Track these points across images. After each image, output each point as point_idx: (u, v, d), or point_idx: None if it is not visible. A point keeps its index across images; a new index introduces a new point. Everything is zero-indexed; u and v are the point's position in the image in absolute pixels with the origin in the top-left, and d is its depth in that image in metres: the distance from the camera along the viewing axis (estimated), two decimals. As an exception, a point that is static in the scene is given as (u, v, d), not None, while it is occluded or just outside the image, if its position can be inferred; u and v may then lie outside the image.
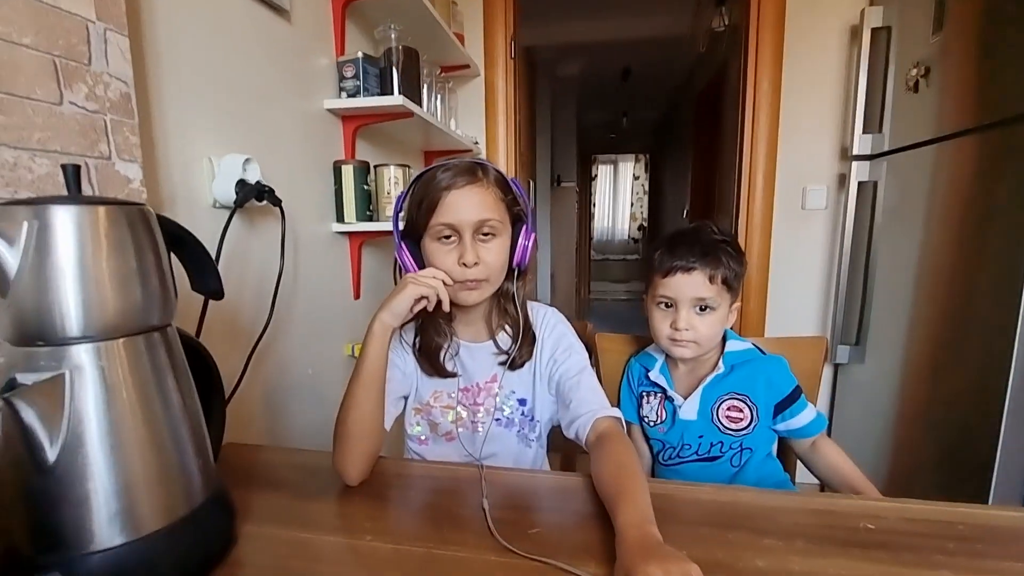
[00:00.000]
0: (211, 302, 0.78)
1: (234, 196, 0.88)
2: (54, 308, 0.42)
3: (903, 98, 1.46)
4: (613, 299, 6.98)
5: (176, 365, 0.51)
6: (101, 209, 0.44)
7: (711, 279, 0.82)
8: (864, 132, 1.60)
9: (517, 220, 0.78)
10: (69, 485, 0.43)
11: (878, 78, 1.56)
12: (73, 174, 0.46)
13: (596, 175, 8.11)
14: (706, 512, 0.61)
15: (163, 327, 0.50)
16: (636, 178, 8.21)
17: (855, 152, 1.62)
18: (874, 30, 1.55)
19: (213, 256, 0.65)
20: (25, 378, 0.42)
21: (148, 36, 0.77)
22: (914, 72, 1.37)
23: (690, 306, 0.83)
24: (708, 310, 0.83)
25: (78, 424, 0.43)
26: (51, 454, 0.42)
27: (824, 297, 1.86)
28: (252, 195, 0.90)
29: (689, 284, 0.82)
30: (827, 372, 1.85)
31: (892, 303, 1.52)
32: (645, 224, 7.87)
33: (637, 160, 8.10)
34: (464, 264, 0.71)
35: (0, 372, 0.51)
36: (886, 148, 1.54)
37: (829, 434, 1.80)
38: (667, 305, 0.86)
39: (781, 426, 0.87)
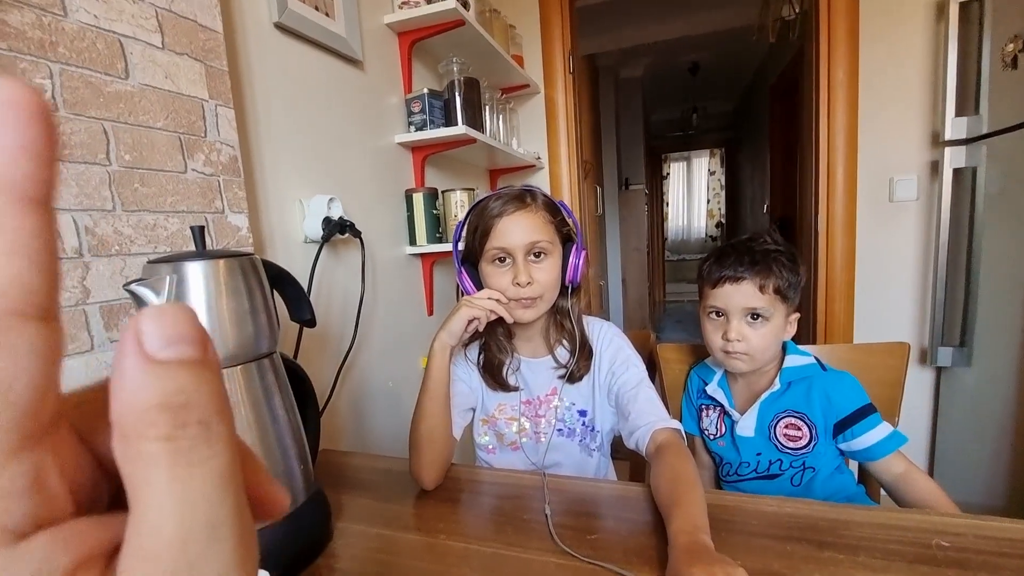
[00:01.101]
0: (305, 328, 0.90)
1: (321, 232, 1.00)
2: (190, 343, 0.52)
3: (1000, 76, 1.33)
4: (690, 300, 6.73)
5: (280, 385, 0.60)
6: (221, 262, 0.54)
7: (762, 288, 0.81)
8: (957, 115, 1.46)
9: (568, 240, 0.82)
10: (204, 485, 0.53)
11: (971, 56, 1.43)
12: (199, 233, 0.57)
13: (668, 174, 7.89)
14: (766, 523, 0.62)
15: (269, 354, 0.60)
16: (712, 173, 7.87)
17: (948, 137, 1.49)
18: (962, 4, 1.43)
19: (305, 287, 0.76)
20: (170, 399, 0.53)
21: (248, 104, 0.90)
22: (1011, 47, 1.25)
23: (741, 316, 0.82)
24: (760, 320, 0.82)
25: (209, 436, 0.53)
26: (191, 460, 0.52)
27: (920, 295, 1.72)
28: (336, 230, 1.01)
29: (739, 294, 0.82)
30: (927, 376, 1.70)
31: (1002, 298, 1.38)
32: (723, 220, 7.53)
33: (712, 155, 7.77)
34: (518, 284, 0.77)
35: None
36: (984, 131, 1.40)
37: (933, 445, 1.67)
38: (718, 315, 0.86)
39: (843, 446, 0.82)
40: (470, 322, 0.75)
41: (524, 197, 0.79)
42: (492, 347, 0.86)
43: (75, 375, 0.59)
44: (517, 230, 0.77)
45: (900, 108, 1.64)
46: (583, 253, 0.81)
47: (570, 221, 0.83)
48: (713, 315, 0.86)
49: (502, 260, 0.79)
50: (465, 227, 0.83)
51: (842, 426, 0.81)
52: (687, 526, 0.54)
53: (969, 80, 1.44)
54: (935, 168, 1.61)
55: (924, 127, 1.63)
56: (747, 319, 0.83)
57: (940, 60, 1.52)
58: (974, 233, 1.47)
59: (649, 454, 0.73)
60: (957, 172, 1.49)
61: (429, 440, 0.74)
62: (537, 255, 0.78)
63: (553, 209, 0.81)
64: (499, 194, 0.79)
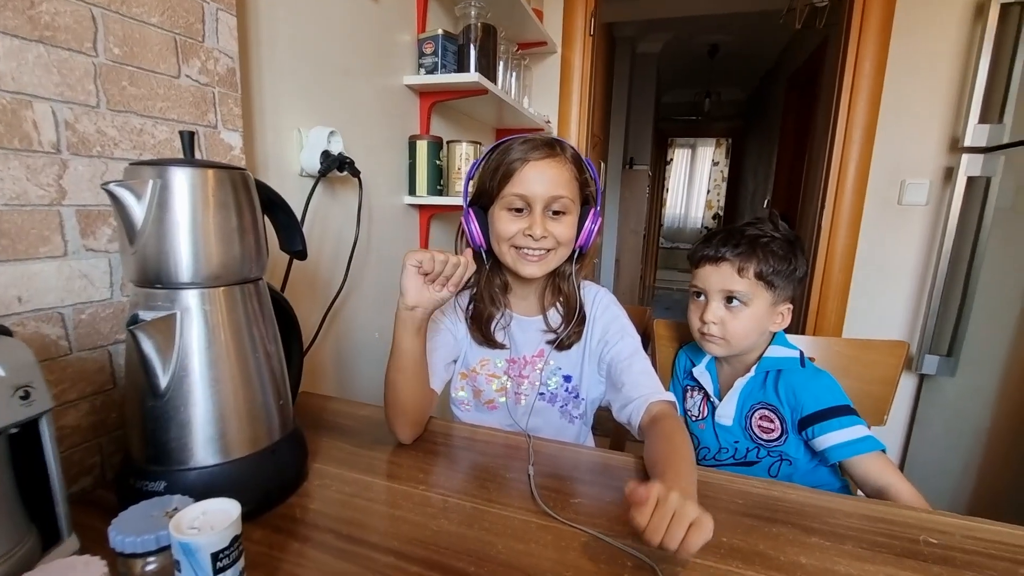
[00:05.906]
0: (295, 261, 0.85)
1: (319, 166, 0.95)
2: (170, 256, 0.48)
3: (1032, 84, 1.29)
4: (679, 288, 6.75)
5: (264, 315, 0.57)
6: (210, 172, 0.50)
7: (740, 271, 0.79)
8: (980, 122, 1.43)
9: (586, 202, 0.78)
10: (176, 409, 0.50)
11: (1004, 61, 1.38)
12: (188, 140, 0.52)
13: (672, 159, 7.80)
14: (753, 504, 0.61)
15: (255, 280, 0.56)
16: (715, 164, 7.81)
17: (967, 144, 1.46)
18: (1004, 5, 1.38)
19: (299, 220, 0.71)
20: (145, 315, 0.49)
21: (252, 15, 0.83)
22: (1049, 54, 1.21)
23: (720, 298, 0.82)
24: (739, 304, 0.80)
25: (185, 357, 0.49)
26: (163, 381, 0.49)
27: (914, 300, 1.72)
28: (335, 166, 0.96)
29: (716, 275, 0.81)
30: (910, 383, 1.71)
31: (995, 312, 1.38)
32: (721, 213, 7.50)
33: (718, 145, 7.69)
34: (530, 235, 0.73)
35: (126, 309, 0.59)
36: (1006, 140, 1.38)
37: (906, 449, 1.70)
38: (698, 295, 0.85)
39: (810, 444, 0.80)
40: (419, 273, 0.67)
41: (554, 146, 0.74)
42: (484, 298, 0.81)
43: (46, 281, 0.55)
44: (541, 179, 0.72)
45: (923, 108, 1.60)
46: (600, 220, 0.77)
47: (593, 183, 0.78)
48: (695, 295, 0.86)
49: (518, 209, 0.74)
50: (482, 166, 0.77)
51: (805, 423, 0.79)
52: (676, 486, 0.53)
53: (998, 86, 1.40)
54: (949, 174, 1.58)
55: (944, 131, 1.59)
56: (725, 302, 0.82)
57: (972, 62, 1.48)
58: (978, 245, 1.45)
59: (643, 426, 0.71)
60: (971, 180, 1.47)
61: (401, 403, 0.69)
62: (556, 211, 0.74)
63: (580, 166, 0.76)
64: (526, 137, 0.73)
